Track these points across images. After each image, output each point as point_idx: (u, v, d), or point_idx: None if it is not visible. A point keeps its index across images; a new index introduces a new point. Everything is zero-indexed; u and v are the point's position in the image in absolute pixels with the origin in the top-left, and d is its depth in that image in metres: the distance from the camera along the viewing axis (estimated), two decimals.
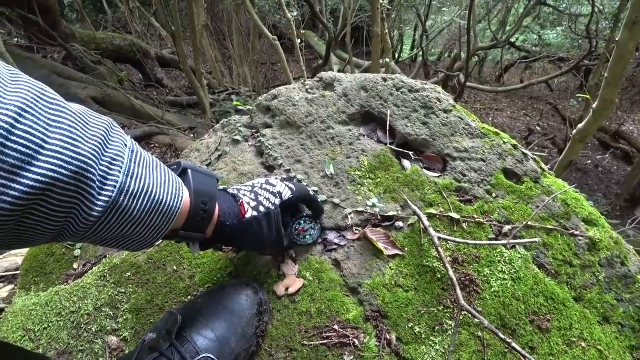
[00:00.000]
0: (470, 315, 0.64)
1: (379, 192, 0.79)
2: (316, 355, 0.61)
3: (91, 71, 4.32)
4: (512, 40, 8.67)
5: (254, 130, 1.02)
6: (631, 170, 4.44)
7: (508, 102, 9.22)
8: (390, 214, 0.75)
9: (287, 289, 0.68)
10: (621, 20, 6.21)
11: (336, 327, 0.64)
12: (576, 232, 0.73)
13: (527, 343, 0.66)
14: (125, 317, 0.71)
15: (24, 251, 1.31)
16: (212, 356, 0.53)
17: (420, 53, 8.44)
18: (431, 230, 0.67)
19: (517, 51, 10.11)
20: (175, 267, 0.75)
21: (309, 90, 1.01)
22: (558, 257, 0.71)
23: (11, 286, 1.13)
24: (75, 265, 0.88)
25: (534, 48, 9.82)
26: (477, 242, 0.68)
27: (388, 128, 0.86)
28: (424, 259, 0.71)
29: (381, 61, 3.22)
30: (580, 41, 7.84)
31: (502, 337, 0.57)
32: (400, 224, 0.74)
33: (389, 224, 0.75)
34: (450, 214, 0.74)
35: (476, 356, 0.64)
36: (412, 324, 0.66)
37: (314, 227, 0.74)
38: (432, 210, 0.75)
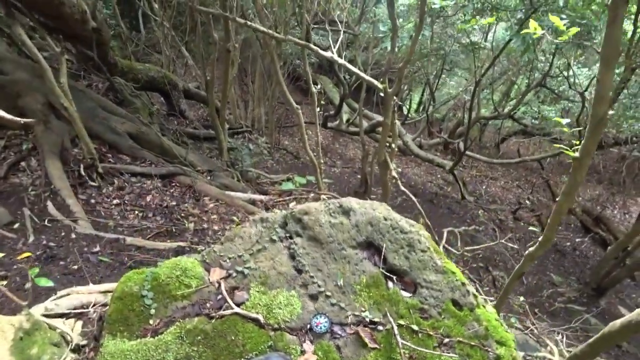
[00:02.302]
0: None
1: (370, 303, 1.23)
2: None
3: (129, 104, 4.83)
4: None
5: (287, 234, 1.47)
6: (600, 260, 4.89)
7: (503, 171, 9.80)
8: (375, 319, 1.19)
9: None
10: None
11: None
12: (489, 349, 1.16)
13: None
14: None
15: (85, 289, 1.64)
16: None
17: (425, 117, 9.14)
18: (398, 338, 1.11)
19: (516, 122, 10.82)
20: (232, 337, 1.16)
21: (332, 214, 1.47)
22: None
23: (80, 322, 1.44)
24: (151, 321, 1.22)
25: (532, 121, 10.53)
26: (426, 349, 1.11)
27: (382, 258, 1.31)
28: (392, 353, 1.14)
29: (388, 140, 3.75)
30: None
31: None
32: (381, 327, 1.18)
33: (373, 326, 1.18)
34: (412, 325, 1.18)
35: None
36: None
37: (326, 322, 1.17)
38: (401, 322, 1.19)
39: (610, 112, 1.31)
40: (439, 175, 8.25)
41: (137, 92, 5.22)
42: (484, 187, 8.24)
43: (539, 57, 7.21)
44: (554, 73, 7.63)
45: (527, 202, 8.10)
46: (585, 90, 6.65)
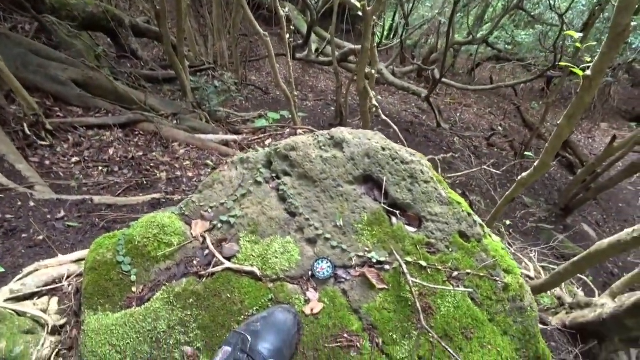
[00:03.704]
0: (426, 330, 1.03)
1: (374, 242, 1.14)
2: (333, 353, 0.97)
3: (68, 47, 4.15)
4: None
5: (274, 174, 1.31)
6: (569, 183, 5.14)
7: (476, 98, 9.79)
8: (381, 259, 1.11)
9: (312, 310, 1.03)
10: (587, 38, 6.81)
11: (346, 335, 1.00)
12: (497, 279, 1.12)
13: (458, 345, 1.05)
14: (195, 333, 1.00)
15: (54, 261, 1.41)
16: None
17: (399, 41, 8.68)
18: (408, 276, 1.04)
19: (490, 47, 10.57)
20: (228, 295, 1.05)
21: (322, 147, 1.31)
22: (484, 294, 1.11)
23: (55, 298, 1.25)
24: (133, 289, 1.08)
25: (506, 46, 10.31)
26: (435, 286, 1.05)
27: (383, 192, 1.20)
28: (401, 292, 1.08)
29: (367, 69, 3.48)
30: (547, 52, 8.42)
31: (443, 344, 0.95)
32: (387, 267, 1.10)
33: (379, 266, 1.10)
34: (420, 261, 1.10)
35: (428, 353, 1.03)
36: (391, 333, 1.03)
37: (329, 266, 1.08)
38: (408, 258, 1.11)
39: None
40: (413, 104, 8.12)
41: (76, 32, 4.50)
42: (458, 114, 8.24)
43: None
44: None
45: (500, 128, 8.23)
46: (565, 13, 6.43)
